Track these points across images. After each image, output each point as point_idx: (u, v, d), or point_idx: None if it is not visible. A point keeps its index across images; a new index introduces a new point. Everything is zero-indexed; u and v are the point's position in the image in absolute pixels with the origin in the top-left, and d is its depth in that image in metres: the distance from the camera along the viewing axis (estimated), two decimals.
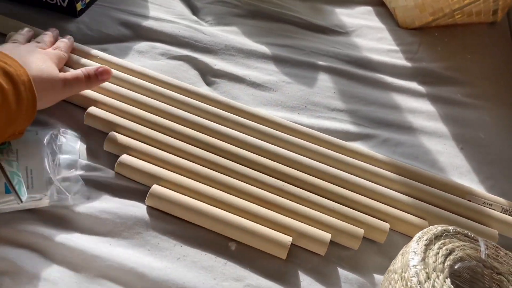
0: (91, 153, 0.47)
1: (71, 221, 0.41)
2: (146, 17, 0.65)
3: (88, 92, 0.50)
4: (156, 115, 0.49)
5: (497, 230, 0.47)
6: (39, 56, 0.44)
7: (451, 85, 0.67)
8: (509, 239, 0.49)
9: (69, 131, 0.48)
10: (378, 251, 0.45)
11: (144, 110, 0.49)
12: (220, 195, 0.43)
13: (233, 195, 0.44)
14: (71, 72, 0.46)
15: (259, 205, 0.44)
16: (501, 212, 0.48)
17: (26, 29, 0.52)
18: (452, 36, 0.76)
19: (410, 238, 0.46)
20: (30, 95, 0.40)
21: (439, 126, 0.60)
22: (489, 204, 0.48)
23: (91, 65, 0.52)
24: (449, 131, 0.60)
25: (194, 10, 0.70)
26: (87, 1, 0.63)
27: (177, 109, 0.50)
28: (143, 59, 0.59)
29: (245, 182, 0.45)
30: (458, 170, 0.55)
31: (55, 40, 0.53)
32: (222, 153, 0.47)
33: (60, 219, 0.41)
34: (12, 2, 0.61)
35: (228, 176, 0.45)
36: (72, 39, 0.55)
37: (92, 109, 0.48)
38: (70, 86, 0.45)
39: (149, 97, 0.51)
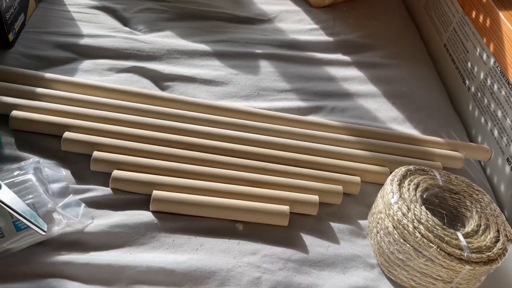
0: (77, 176, 0.48)
1: (86, 242, 0.42)
2: (81, 35, 0.65)
3: (57, 119, 0.50)
4: (130, 127, 0.51)
5: (440, 163, 0.57)
6: None
7: (369, 51, 0.76)
8: (450, 169, 0.60)
9: (48, 161, 0.48)
10: (355, 201, 0.53)
11: (118, 125, 0.51)
12: (215, 186, 0.47)
13: (226, 183, 0.48)
14: None
15: (251, 186, 0.49)
16: None
17: None
18: (357, 8, 0.86)
19: (378, 185, 0.55)
20: None
21: (370, 87, 0.69)
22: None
23: (50, 94, 0.53)
24: (379, 90, 0.69)
25: (124, 22, 0.71)
26: (17, 30, 0.61)
27: (149, 118, 0.53)
28: (92, 77, 0.60)
29: (232, 170, 0.50)
30: (396, 121, 0.65)
31: None
32: (205, 149, 0.51)
33: (75, 243, 0.42)
34: None
35: (216, 167, 0.49)
36: None
37: (68, 134, 0.49)
38: None
39: (118, 112, 0.53)
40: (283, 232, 0.47)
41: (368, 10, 0.86)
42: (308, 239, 0.47)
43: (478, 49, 0.69)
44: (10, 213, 0.40)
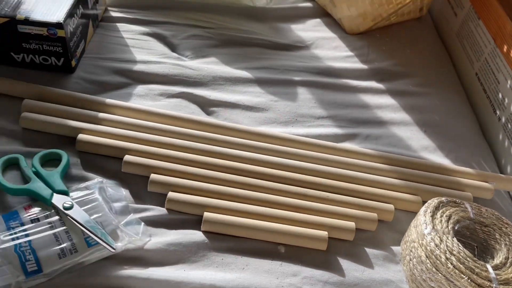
0: (135, 196, 0.53)
1: (146, 259, 0.47)
2: (134, 61, 0.70)
3: (118, 143, 0.55)
4: (183, 151, 0.56)
5: (471, 194, 0.60)
6: None
7: (402, 79, 0.80)
8: (480, 199, 0.62)
9: (109, 181, 0.54)
10: (388, 228, 0.56)
11: (171, 149, 0.56)
12: (259, 209, 0.52)
13: (270, 207, 0.52)
14: None
15: (292, 211, 0.53)
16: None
17: None
18: (390, 35, 0.89)
19: (410, 212, 0.58)
20: None
21: (403, 115, 0.73)
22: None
23: (111, 119, 0.58)
24: (411, 119, 0.72)
25: (172, 47, 0.76)
26: (78, 56, 0.67)
27: (198, 143, 0.58)
28: (145, 101, 0.65)
29: (274, 194, 0.54)
30: (427, 149, 0.68)
31: None
32: (249, 174, 0.55)
33: (136, 259, 0.47)
34: (9, 66, 0.64)
35: (261, 192, 0.54)
36: None
37: (128, 157, 0.54)
38: None
39: (171, 137, 0.58)
40: (321, 255, 0.51)
41: (401, 37, 0.89)
42: (344, 263, 0.51)
43: (509, 82, 0.72)
44: (82, 230, 0.45)
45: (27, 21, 0.59)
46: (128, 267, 0.46)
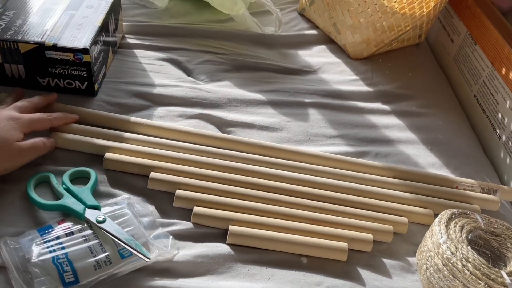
0: (161, 211, 0.55)
1: (175, 270, 0.49)
2: (153, 85, 0.73)
3: (143, 161, 0.58)
4: (206, 168, 0.59)
5: (478, 206, 0.63)
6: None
7: (406, 100, 0.84)
8: (487, 211, 0.65)
9: (136, 197, 0.56)
10: (402, 240, 0.59)
11: (195, 167, 0.59)
12: (281, 222, 0.54)
13: (291, 220, 0.55)
14: (29, 142, 0.53)
15: (312, 223, 0.55)
16: (480, 192, 0.64)
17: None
18: (392, 59, 0.94)
19: (421, 225, 0.61)
20: None
21: (409, 134, 0.76)
22: (471, 187, 0.64)
23: (136, 138, 0.61)
24: (417, 137, 0.76)
25: (188, 72, 0.80)
26: (100, 80, 0.70)
27: (221, 160, 0.60)
28: (165, 122, 0.68)
29: (294, 208, 0.56)
30: (434, 166, 0.71)
31: (42, 102, 0.61)
32: (270, 189, 0.58)
33: (166, 270, 0.49)
34: (34, 90, 0.66)
35: (281, 206, 0.56)
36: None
37: (154, 174, 0.56)
38: (28, 153, 0.53)
39: (194, 154, 0.60)
40: (342, 266, 0.53)
41: (402, 62, 0.94)
42: (364, 273, 0.53)
43: (508, 102, 0.76)
44: (115, 242, 0.47)
45: (55, 47, 0.63)
46: (159, 278, 0.48)
